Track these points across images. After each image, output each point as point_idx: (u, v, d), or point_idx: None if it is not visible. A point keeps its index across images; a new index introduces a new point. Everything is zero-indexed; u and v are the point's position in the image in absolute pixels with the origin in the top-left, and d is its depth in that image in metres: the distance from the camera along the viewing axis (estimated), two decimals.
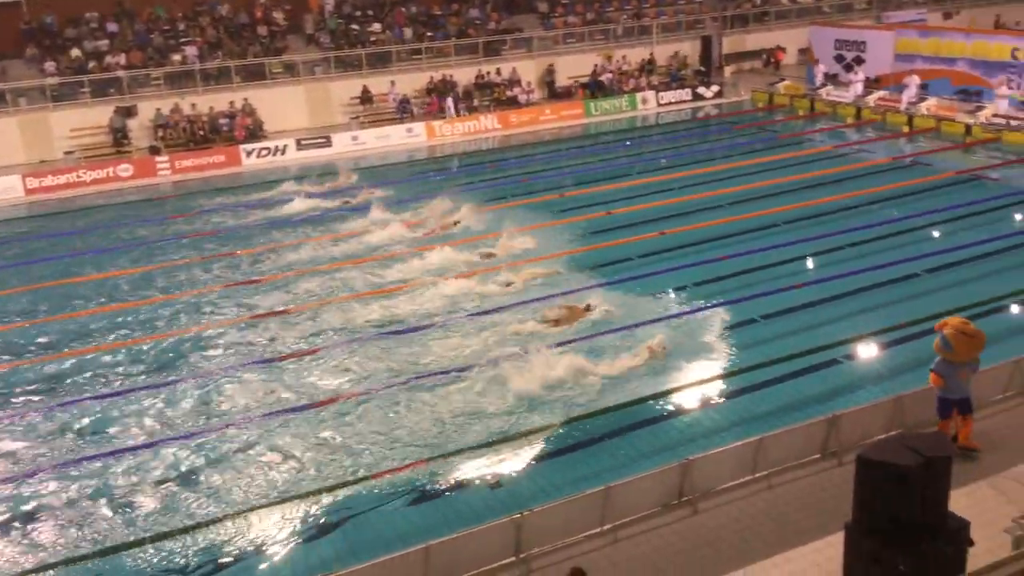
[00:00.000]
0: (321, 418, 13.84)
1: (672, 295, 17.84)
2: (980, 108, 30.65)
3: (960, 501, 9.68)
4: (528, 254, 20.62)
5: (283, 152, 32.65)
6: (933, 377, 11.26)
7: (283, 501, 11.79)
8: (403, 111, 35.57)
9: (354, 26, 38.01)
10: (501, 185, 28.04)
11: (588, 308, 16.93)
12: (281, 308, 18.32)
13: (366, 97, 35.76)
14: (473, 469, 12.31)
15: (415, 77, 36.96)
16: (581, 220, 23.14)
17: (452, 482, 12.07)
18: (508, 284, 18.61)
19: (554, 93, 38.69)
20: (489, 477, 12.16)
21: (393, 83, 36.10)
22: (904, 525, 7.72)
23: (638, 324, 16.29)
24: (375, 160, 32.13)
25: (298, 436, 13.37)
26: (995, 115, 29.82)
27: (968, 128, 29.82)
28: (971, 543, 7.92)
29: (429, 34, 38.42)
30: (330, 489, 11.98)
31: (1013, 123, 29.03)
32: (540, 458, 12.55)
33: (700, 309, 16.94)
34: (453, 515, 11.28)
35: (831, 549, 9.16)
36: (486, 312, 17.42)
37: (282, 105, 34.73)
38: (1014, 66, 31.74)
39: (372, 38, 37.57)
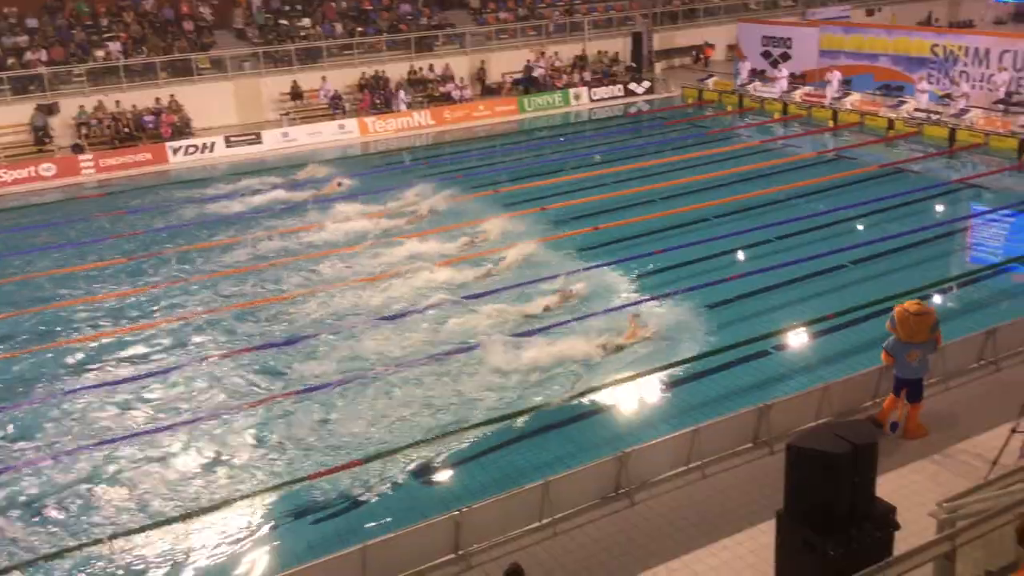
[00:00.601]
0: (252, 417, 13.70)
1: (607, 290, 17.98)
2: (902, 103, 31.52)
3: (889, 484, 9.99)
4: (506, 241, 20.83)
5: (211, 149, 32.07)
6: (883, 354, 11.70)
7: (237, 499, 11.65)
8: (335, 107, 35.22)
9: (283, 21, 37.47)
10: (465, 178, 27.93)
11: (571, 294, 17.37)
12: (269, 297, 18.47)
13: (296, 93, 35.32)
14: (411, 467, 12.25)
15: (347, 73, 36.62)
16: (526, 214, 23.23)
17: (390, 480, 11.99)
18: (488, 273, 18.98)
19: (487, 89, 38.70)
20: (426, 474, 12.13)
21: (324, 79, 35.72)
22: (833, 511, 7.93)
23: (568, 321, 16.42)
24: (335, 153, 31.86)
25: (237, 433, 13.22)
26: (916, 109, 30.69)
27: (891, 122, 30.66)
28: (897, 527, 8.17)
29: (360, 29, 38.11)
30: (262, 492, 11.83)
31: (933, 117, 29.93)
32: (477, 454, 12.55)
33: (635, 303, 17.09)
34: (390, 514, 11.21)
35: (764, 536, 9.35)
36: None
37: (210, 102, 34.10)
38: (934, 62, 32.72)
39: (302, 33, 37.10)
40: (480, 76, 38.73)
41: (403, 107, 35.71)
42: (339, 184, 26.52)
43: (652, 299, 17.16)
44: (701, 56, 43.84)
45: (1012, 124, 28.03)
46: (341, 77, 36.41)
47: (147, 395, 14.71)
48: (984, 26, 44.73)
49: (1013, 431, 10.41)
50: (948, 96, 30.78)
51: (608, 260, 19.37)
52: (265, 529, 11.19)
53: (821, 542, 7.90)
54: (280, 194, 26.25)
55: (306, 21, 37.72)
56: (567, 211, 23.38)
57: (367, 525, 10.94)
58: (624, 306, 16.90)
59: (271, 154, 32.19)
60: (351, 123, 34.47)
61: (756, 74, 37.47)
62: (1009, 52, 30.38)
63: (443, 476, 12.14)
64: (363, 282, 18.96)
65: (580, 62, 40.35)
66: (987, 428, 11.74)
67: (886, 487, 9.46)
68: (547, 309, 16.91)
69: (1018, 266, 18.72)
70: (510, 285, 18.30)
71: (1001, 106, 29.56)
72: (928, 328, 11.45)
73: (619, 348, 15.13)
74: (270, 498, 11.69)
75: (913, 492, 10.33)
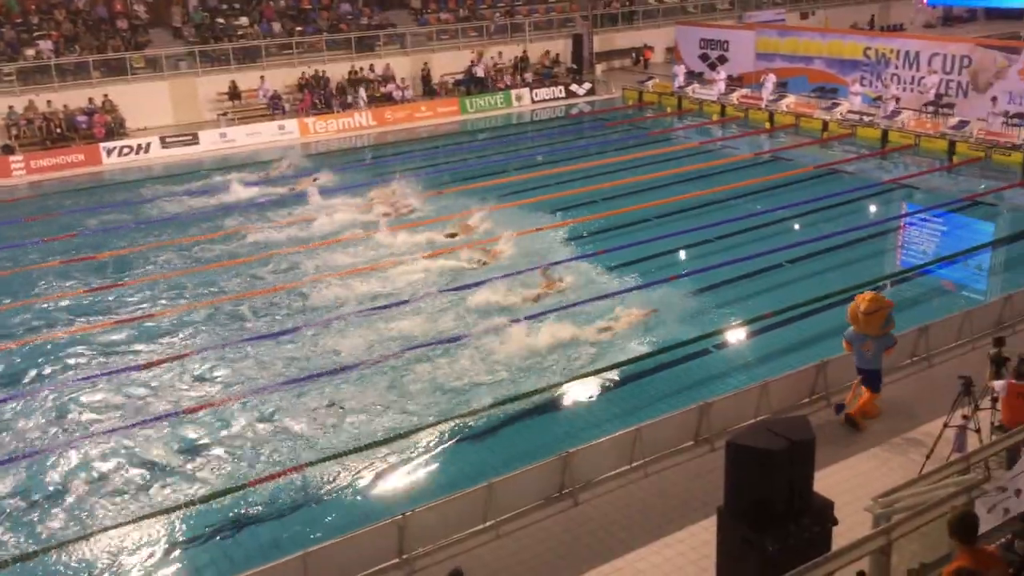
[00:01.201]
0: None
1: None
2: (836, 105, 32.20)
3: (827, 479, 10.18)
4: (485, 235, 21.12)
5: (146, 150, 31.41)
6: (844, 343, 12.19)
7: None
8: (274, 107, 34.77)
9: (220, 20, 36.88)
10: (435, 174, 27.95)
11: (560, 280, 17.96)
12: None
13: (234, 93, 34.78)
14: (353, 471, 12.15)
15: (286, 72, 36.19)
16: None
17: (331, 485, 11.87)
18: (480, 262, 19.37)
19: (430, 90, 38.57)
20: (371, 479, 12.01)
21: (263, 78, 35.24)
22: (772, 507, 8.04)
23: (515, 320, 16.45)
24: (276, 153, 31.33)
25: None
26: (849, 111, 31.36)
27: (825, 124, 31.29)
28: (835, 522, 8.32)
29: (299, 29, 37.68)
30: (197, 503, 11.62)
31: (866, 119, 30.61)
32: (421, 457, 12.48)
33: (577, 303, 17.16)
34: (333, 519, 11.10)
35: (706, 533, 9.44)
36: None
37: (145, 101, 33.41)
38: (866, 65, 33.47)
39: (240, 32, 36.56)
40: (424, 76, 38.55)
41: (361, 104, 35.63)
42: (315, 179, 26.70)
43: (595, 299, 17.23)
44: (641, 58, 44.25)
45: (942, 125, 28.81)
46: (280, 77, 35.97)
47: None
48: (914, 30, 45.94)
49: (945, 425, 10.69)
50: (879, 98, 31.50)
51: (550, 261, 19.40)
52: (203, 538, 10.98)
53: (760, 538, 8.01)
54: (259, 189, 26.30)
55: (244, 20, 37.18)
56: (511, 212, 23.36)
57: (309, 531, 10.80)
58: (568, 306, 16.96)
59: (208, 155, 31.65)
60: (291, 123, 34.06)
61: (693, 76, 37.94)
62: (938, 55, 31.22)
63: (387, 480, 12.02)
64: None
65: (522, 63, 40.43)
66: (921, 423, 12.08)
67: (824, 482, 9.64)
68: (536, 299, 17.34)
69: (948, 265, 19.26)
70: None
71: (931, 108, 30.36)
72: (879, 324, 11.79)
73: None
74: (205, 507, 11.48)
75: (850, 487, 10.55)
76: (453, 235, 17.02)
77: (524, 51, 40.90)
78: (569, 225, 21.97)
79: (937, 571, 6.29)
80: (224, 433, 13.21)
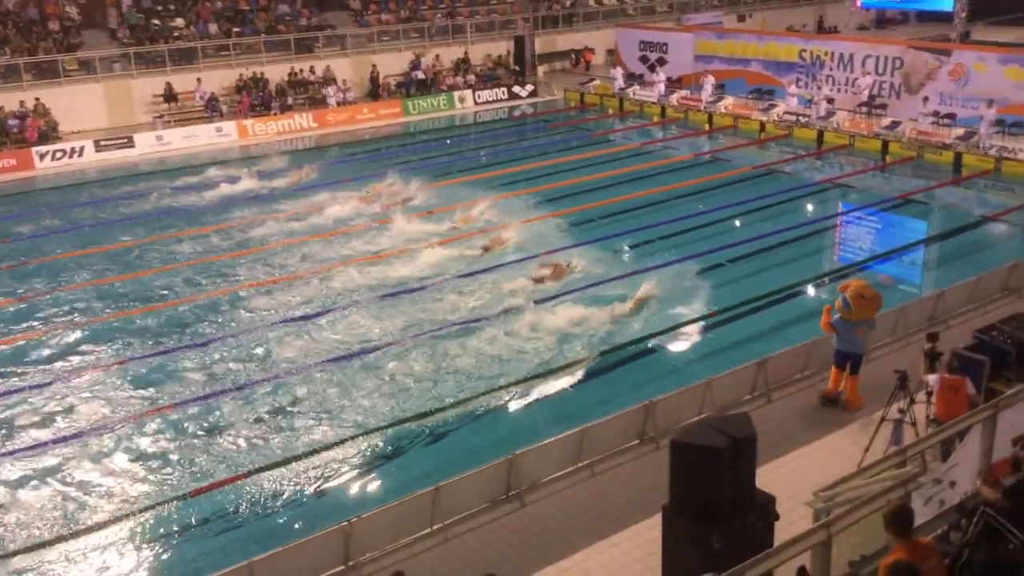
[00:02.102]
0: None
1: (495, 294, 18.01)
2: (772, 106, 32.75)
3: (769, 475, 10.35)
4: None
5: (80, 154, 30.72)
6: (827, 327, 12.46)
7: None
8: (211, 109, 34.22)
9: (155, 21, 36.19)
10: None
11: (569, 265, 18.55)
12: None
13: (170, 95, 34.16)
14: (300, 478, 12.01)
15: (224, 74, 35.67)
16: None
17: (277, 492, 11.72)
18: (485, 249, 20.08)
19: (372, 92, 38.33)
20: (317, 485, 11.89)
21: (199, 80, 34.69)
22: (716, 503, 8.16)
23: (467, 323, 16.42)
24: (213, 156, 31.02)
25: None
26: (786, 112, 31.93)
27: (763, 125, 31.81)
28: (777, 517, 8.46)
29: (236, 30, 37.15)
30: (139, 513, 11.40)
31: (802, 120, 31.20)
32: (367, 461, 12.40)
33: (521, 307, 17.18)
34: (279, 527, 10.97)
35: (652, 531, 9.51)
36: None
37: (78, 104, 32.67)
38: (802, 66, 34.11)
39: (175, 33, 35.93)
40: (372, 78, 38.24)
41: (333, 103, 35.77)
42: (309, 173, 27.47)
43: (541, 301, 17.28)
44: (580, 60, 44.41)
45: (875, 126, 29.49)
46: (218, 79, 35.43)
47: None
48: (848, 32, 46.91)
49: (882, 419, 10.95)
50: (810, 100, 32.08)
51: (494, 264, 19.41)
52: (146, 548, 10.77)
53: (705, 535, 8.11)
54: (251, 184, 26.65)
55: (180, 21, 36.54)
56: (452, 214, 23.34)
57: (255, 539, 10.65)
58: (508, 310, 16.98)
59: (144, 158, 31.05)
60: (229, 126, 33.56)
61: (633, 78, 38.27)
62: (871, 57, 31.95)
63: (334, 486, 11.91)
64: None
65: (464, 65, 40.41)
66: (859, 417, 12.33)
67: (766, 478, 9.81)
68: (542, 280, 17.98)
69: (883, 262, 19.71)
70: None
71: (864, 109, 31.05)
72: (877, 307, 12.15)
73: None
74: (149, 515, 11.27)
75: (792, 481, 10.72)
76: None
77: (466, 53, 40.86)
78: (510, 227, 21.99)
79: (876, 563, 6.43)
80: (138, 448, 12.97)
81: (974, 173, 25.81)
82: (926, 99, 28.97)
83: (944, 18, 44.33)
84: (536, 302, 16.95)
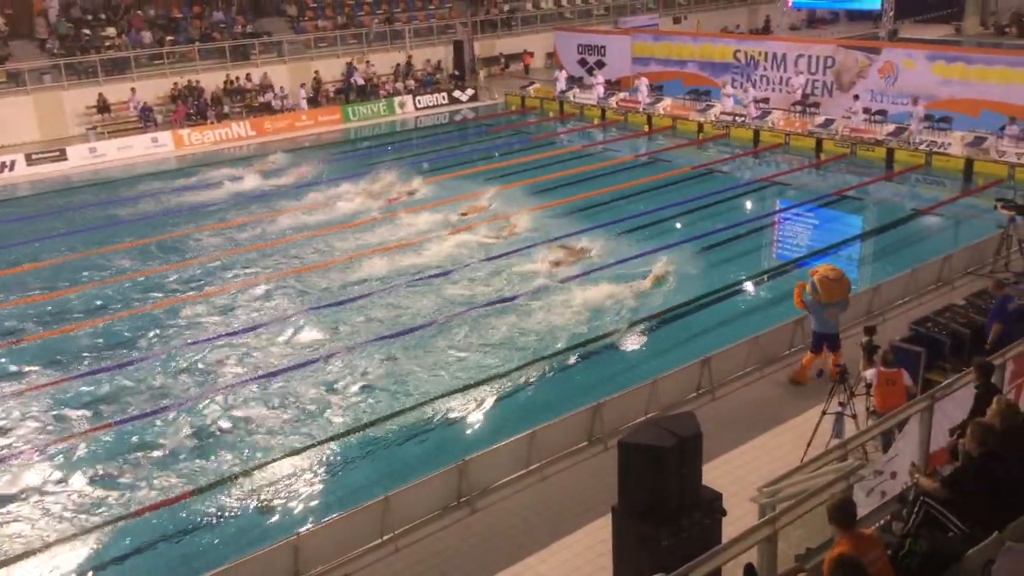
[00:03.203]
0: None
1: (436, 295, 17.97)
2: (709, 107, 33.21)
3: (715, 471, 10.48)
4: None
5: (11, 168, 29.92)
6: (800, 305, 12.88)
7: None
8: (146, 120, 33.58)
9: (86, 31, 35.40)
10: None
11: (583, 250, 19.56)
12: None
13: (103, 106, 33.44)
14: (241, 493, 11.84)
15: (158, 83, 35.02)
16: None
17: (217, 509, 11.54)
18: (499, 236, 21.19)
19: (311, 99, 37.96)
20: (264, 499, 11.73)
21: (133, 90, 34.02)
22: (664, 502, 8.23)
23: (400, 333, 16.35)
24: (149, 167, 30.62)
25: None
26: (722, 113, 32.39)
27: (700, 126, 32.23)
28: (724, 513, 8.57)
29: (170, 38, 36.51)
30: (95, 529, 11.13)
31: (738, 120, 31.68)
32: (316, 473, 12.27)
33: (471, 308, 17.18)
34: (226, 543, 10.79)
35: (602, 532, 9.56)
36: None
37: (7, 117, 31.78)
38: (737, 67, 34.66)
39: (107, 43, 35.17)
40: (315, 84, 37.87)
41: (304, 104, 35.85)
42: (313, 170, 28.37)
43: (485, 304, 17.29)
44: (509, 65, 44.18)
45: (809, 124, 30.07)
46: (152, 88, 34.77)
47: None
48: (780, 32, 47.77)
49: (824, 413, 11.15)
50: (742, 102, 32.60)
51: (442, 268, 19.39)
52: (91, 569, 10.52)
53: (654, 534, 8.18)
54: (257, 182, 27.58)
55: (111, 30, 35.77)
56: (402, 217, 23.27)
57: (202, 555, 10.49)
58: (458, 314, 16.95)
59: (78, 171, 30.36)
60: (164, 136, 32.94)
61: (573, 81, 38.51)
62: (804, 56, 32.60)
63: (283, 499, 11.75)
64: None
65: (404, 70, 40.25)
66: (802, 411, 12.54)
67: (712, 474, 9.94)
68: (556, 264, 18.92)
69: (820, 258, 20.06)
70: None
71: (798, 107, 31.65)
72: (846, 289, 12.38)
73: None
74: (95, 535, 11.02)
75: (738, 477, 10.88)
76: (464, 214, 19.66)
77: (406, 58, 40.68)
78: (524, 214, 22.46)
79: (821, 556, 6.55)
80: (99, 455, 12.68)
81: (906, 168, 26.46)
82: (856, 97, 29.63)
83: (873, 16, 45.42)
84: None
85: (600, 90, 36.28)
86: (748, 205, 24.80)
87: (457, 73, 41.67)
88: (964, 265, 17.23)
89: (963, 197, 23.87)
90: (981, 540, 6.59)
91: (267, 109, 35.93)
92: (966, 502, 7.07)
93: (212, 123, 34.16)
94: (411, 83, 39.60)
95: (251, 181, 27.59)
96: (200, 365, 15.42)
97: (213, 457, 12.64)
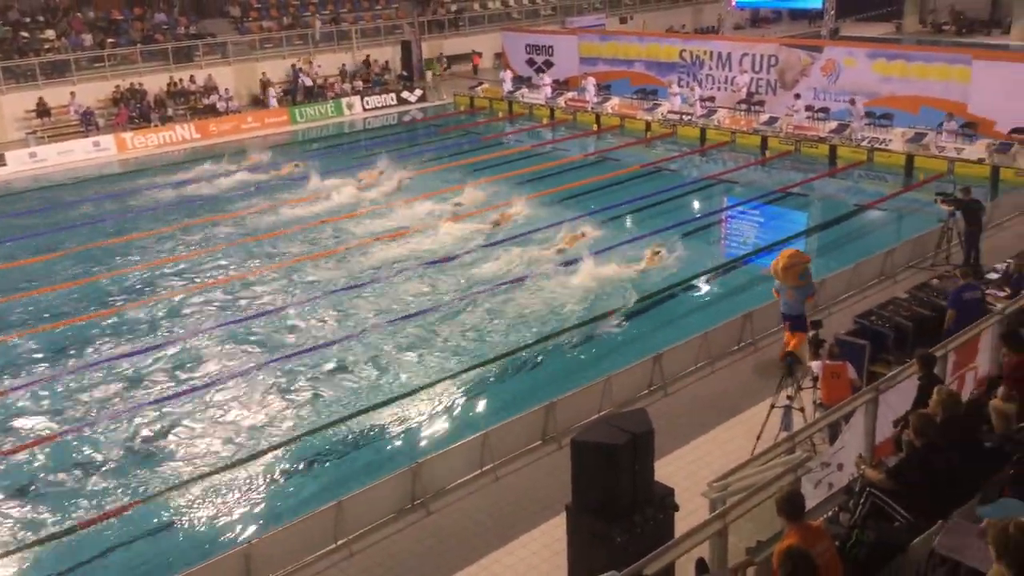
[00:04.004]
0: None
1: (392, 298, 17.89)
2: (656, 106, 33.50)
3: (667, 467, 10.58)
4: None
5: None
6: (774, 291, 12.71)
7: None
8: (87, 123, 32.92)
9: (24, 33, 34.60)
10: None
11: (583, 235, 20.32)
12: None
13: (43, 110, 32.73)
14: (197, 500, 11.67)
15: (99, 87, 34.40)
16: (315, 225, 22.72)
17: (171, 517, 11.37)
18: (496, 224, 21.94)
19: (257, 100, 37.57)
20: (214, 508, 11.58)
21: (74, 94, 33.35)
22: (616, 500, 8.29)
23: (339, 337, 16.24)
24: (92, 171, 30.11)
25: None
26: (670, 111, 32.68)
27: (648, 124, 32.49)
28: (676, 508, 8.65)
29: (111, 40, 35.84)
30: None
31: (685, 118, 31.99)
32: (266, 481, 12.14)
33: (419, 313, 17.16)
34: (172, 555, 10.63)
35: (558, 530, 9.59)
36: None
37: None
38: (683, 66, 35.01)
39: (46, 46, 34.42)
40: (263, 85, 37.44)
41: (273, 104, 35.78)
42: (296, 166, 28.73)
43: (441, 307, 17.25)
44: (450, 65, 44.05)
45: (754, 122, 30.49)
46: (93, 91, 34.14)
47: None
48: (725, 31, 48.38)
49: (772, 406, 11.31)
50: (688, 101, 32.93)
51: (396, 272, 19.30)
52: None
53: (607, 531, 8.23)
54: (246, 176, 28.06)
55: (50, 33, 35.05)
56: (347, 222, 23.10)
57: (151, 568, 10.32)
58: (407, 316, 16.90)
59: (17, 176, 29.65)
60: (107, 139, 32.33)
61: (521, 81, 38.57)
62: (748, 55, 33.05)
63: (232, 507, 11.60)
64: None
65: (359, 70, 39.97)
66: (751, 405, 12.68)
67: (665, 470, 10.03)
68: (560, 251, 19.56)
69: (767, 254, 20.33)
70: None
71: (743, 106, 32.07)
72: (795, 276, 12.48)
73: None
74: (36, 551, 10.77)
75: (690, 472, 10.99)
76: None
77: (353, 59, 40.42)
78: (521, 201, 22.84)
79: (771, 548, 6.64)
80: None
81: (848, 164, 26.95)
82: (798, 95, 30.10)
83: (815, 15, 46.18)
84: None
85: (548, 90, 36.39)
86: (696, 203, 25.05)
87: (405, 74, 41.50)
88: (906, 259, 17.59)
89: (904, 192, 24.37)
90: (926, 530, 6.74)
91: (212, 111, 35.46)
92: (910, 493, 7.22)
93: (156, 126, 33.62)
94: (359, 84, 39.35)
95: (230, 178, 27.82)
96: (133, 377, 15.15)
97: (155, 467, 12.45)
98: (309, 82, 38.09)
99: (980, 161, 24.49)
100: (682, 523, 8.54)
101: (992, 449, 7.65)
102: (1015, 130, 25.39)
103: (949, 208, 17.24)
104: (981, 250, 16.79)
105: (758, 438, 11.09)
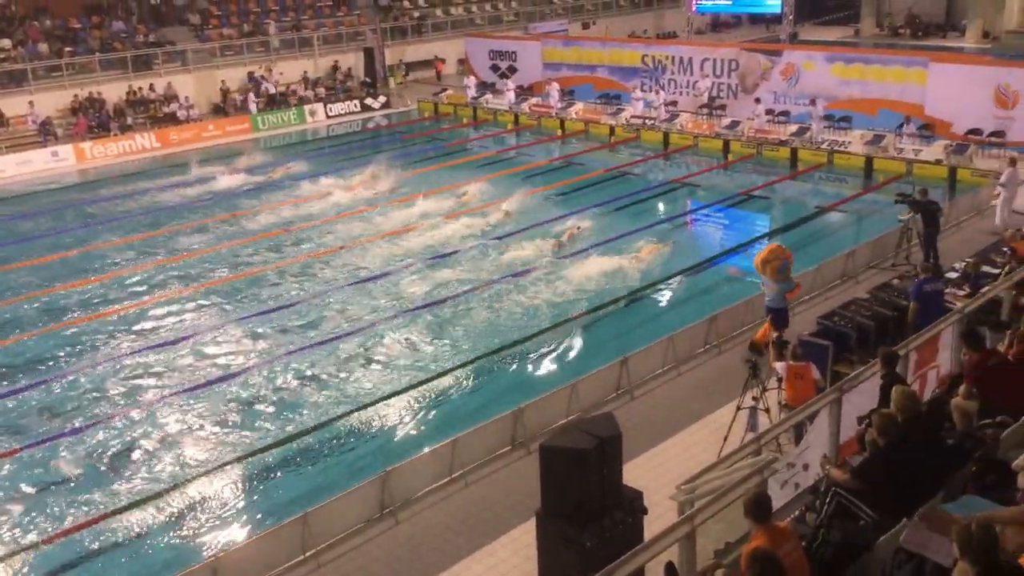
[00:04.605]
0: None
1: (364, 303, 17.81)
2: (620, 110, 33.68)
3: (636, 470, 10.61)
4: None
5: None
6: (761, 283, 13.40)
7: None
8: (45, 133, 32.41)
9: None
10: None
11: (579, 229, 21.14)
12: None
13: (0, 120, 32.16)
14: (156, 516, 11.52)
15: (57, 96, 33.89)
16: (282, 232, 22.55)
17: (136, 532, 11.21)
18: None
19: (218, 108, 37.22)
20: (180, 522, 11.44)
21: (31, 104, 32.83)
22: (586, 504, 8.30)
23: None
24: (49, 181, 29.70)
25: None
26: (633, 116, 32.88)
27: (612, 129, 32.63)
28: (645, 511, 8.69)
29: (69, 49, 35.33)
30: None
31: (648, 123, 32.20)
32: (232, 493, 12.01)
33: (391, 317, 17.08)
34: (141, 570, 10.49)
35: (528, 536, 9.58)
36: None
37: None
38: (645, 71, 35.24)
39: (2, 56, 33.85)
40: (224, 93, 37.08)
41: (253, 108, 35.72)
42: (288, 168, 29.19)
43: (426, 306, 17.19)
44: (408, 73, 43.99)
45: (716, 126, 30.76)
46: (51, 101, 33.63)
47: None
48: (686, 36, 48.77)
49: (738, 408, 11.40)
50: (651, 106, 33.16)
51: (363, 277, 19.20)
52: None
53: (577, 535, 8.25)
54: (242, 178, 28.40)
55: (6, 42, 34.47)
56: (312, 229, 22.95)
57: None
58: (371, 325, 16.84)
59: None
60: (65, 149, 31.84)
61: (485, 87, 38.59)
62: (709, 60, 33.35)
63: (197, 521, 11.46)
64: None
65: (314, 78, 39.75)
66: (718, 407, 12.77)
67: (633, 473, 10.07)
68: (560, 245, 20.40)
69: (730, 256, 20.54)
70: None
71: (705, 110, 32.33)
72: (774, 271, 12.77)
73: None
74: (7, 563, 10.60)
75: (658, 475, 11.02)
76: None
77: (315, 65, 40.18)
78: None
79: (739, 549, 6.68)
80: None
81: (809, 167, 27.25)
82: (758, 100, 30.41)
83: (774, 20, 46.72)
84: None
85: (512, 96, 36.44)
86: (660, 206, 25.19)
87: (368, 80, 41.36)
88: (867, 259, 17.83)
89: (864, 194, 24.70)
90: (890, 528, 6.82)
91: (172, 120, 35.08)
92: (875, 492, 7.30)
93: (115, 135, 33.17)
94: (321, 91, 39.15)
95: (225, 179, 28.16)
96: (92, 390, 14.94)
97: (118, 482, 12.28)
98: (273, 89, 37.81)
99: (938, 162, 24.89)
100: (652, 526, 8.58)
101: (954, 447, 7.76)
102: (971, 131, 25.87)
103: (907, 214, 17.47)
104: (939, 250, 17.05)
105: (725, 440, 11.17)
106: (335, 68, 40.99)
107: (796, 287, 13.92)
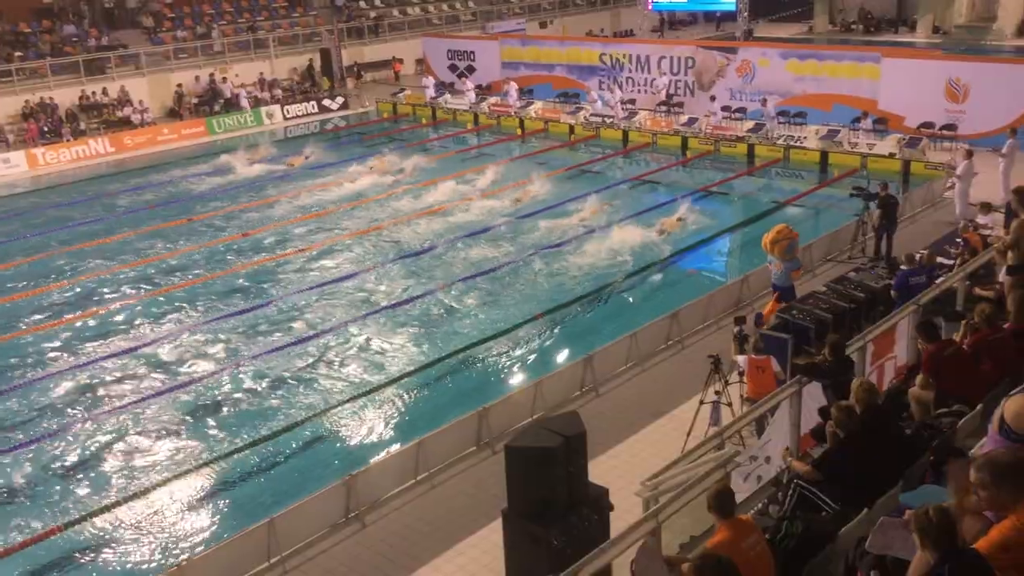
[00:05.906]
0: None
1: (315, 316, 17.71)
2: (579, 109, 33.78)
3: (600, 467, 10.66)
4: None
5: None
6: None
7: None
8: None
9: None
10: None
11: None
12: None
13: None
14: (119, 523, 11.36)
15: (8, 101, 33.32)
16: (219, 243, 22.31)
17: (100, 539, 11.04)
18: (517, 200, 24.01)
19: (173, 111, 36.77)
20: (137, 529, 11.29)
21: None
22: (552, 502, 8.33)
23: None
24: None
25: None
26: (592, 114, 33.00)
27: (571, 128, 32.73)
28: (611, 508, 8.74)
29: (19, 54, 34.71)
30: None
31: (607, 121, 32.33)
32: (195, 499, 11.89)
33: (350, 320, 17.00)
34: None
35: (495, 535, 9.59)
36: None
37: None
38: (603, 70, 35.39)
39: None
40: (178, 96, 36.61)
41: (245, 104, 35.53)
42: (291, 164, 29.83)
43: (398, 305, 17.09)
44: (361, 75, 43.77)
45: (674, 123, 30.97)
46: (1, 106, 33.07)
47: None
48: (643, 34, 49.06)
49: (701, 402, 11.50)
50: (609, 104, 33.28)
51: (332, 280, 19.09)
52: None
53: (544, 533, 8.27)
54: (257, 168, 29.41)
55: None
56: (277, 231, 22.79)
57: None
58: (332, 329, 16.74)
59: None
60: (17, 156, 31.28)
61: (444, 87, 38.51)
62: (666, 58, 33.59)
63: (163, 528, 11.33)
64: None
65: (270, 80, 39.41)
66: (681, 402, 12.87)
67: (598, 470, 10.10)
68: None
69: (690, 252, 20.69)
70: None
71: (663, 107, 32.56)
72: (782, 250, 13.12)
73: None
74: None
75: (624, 471, 11.08)
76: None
77: (271, 67, 39.84)
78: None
79: (703, 543, 6.76)
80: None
81: (766, 163, 27.56)
82: (713, 97, 30.68)
83: (729, 17, 47.15)
84: None
85: (471, 95, 36.41)
86: (617, 202, 25.25)
87: (311, 78, 41.05)
88: (824, 253, 18.07)
89: (820, 188, 25.02)
90: (852, 518, 6.92)
91: (126, 124, 34.59)
92: (836, 483, 7.42)
93: (68, 141, 32.63)
94: (278, 93, 38.82)
95: (248, 168, 29.25)
96: (39, 403, 14.70)
97: (82, 487, 12.09)
98: (229, 93, 37.42)
99: (891, 156, 25.28)
100: (618, 522, 8.61)
101: (912, 436, 7.91)
102: (923, 125, 26.32)
103: (868, 217, 17.77)
104: (893, 243, 17.33)
105: (688, 434, 11.27)
106: (309, 68, 40.71)
107: (799, 267, 14.37)
